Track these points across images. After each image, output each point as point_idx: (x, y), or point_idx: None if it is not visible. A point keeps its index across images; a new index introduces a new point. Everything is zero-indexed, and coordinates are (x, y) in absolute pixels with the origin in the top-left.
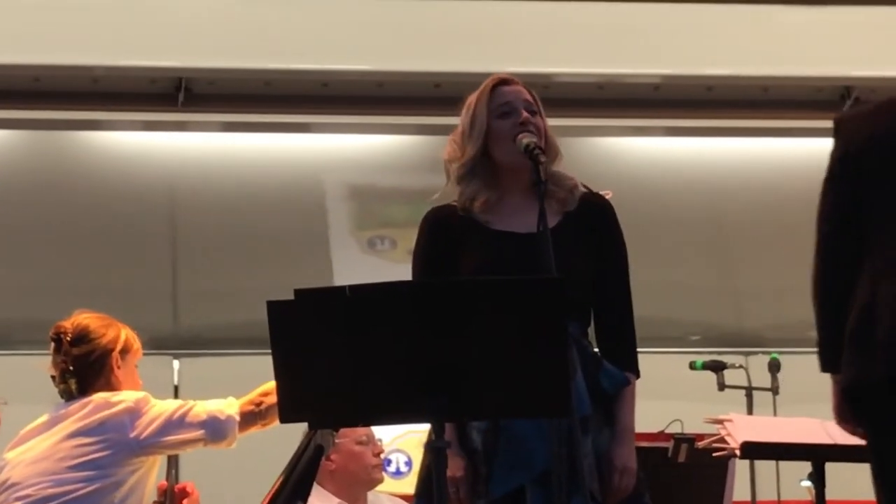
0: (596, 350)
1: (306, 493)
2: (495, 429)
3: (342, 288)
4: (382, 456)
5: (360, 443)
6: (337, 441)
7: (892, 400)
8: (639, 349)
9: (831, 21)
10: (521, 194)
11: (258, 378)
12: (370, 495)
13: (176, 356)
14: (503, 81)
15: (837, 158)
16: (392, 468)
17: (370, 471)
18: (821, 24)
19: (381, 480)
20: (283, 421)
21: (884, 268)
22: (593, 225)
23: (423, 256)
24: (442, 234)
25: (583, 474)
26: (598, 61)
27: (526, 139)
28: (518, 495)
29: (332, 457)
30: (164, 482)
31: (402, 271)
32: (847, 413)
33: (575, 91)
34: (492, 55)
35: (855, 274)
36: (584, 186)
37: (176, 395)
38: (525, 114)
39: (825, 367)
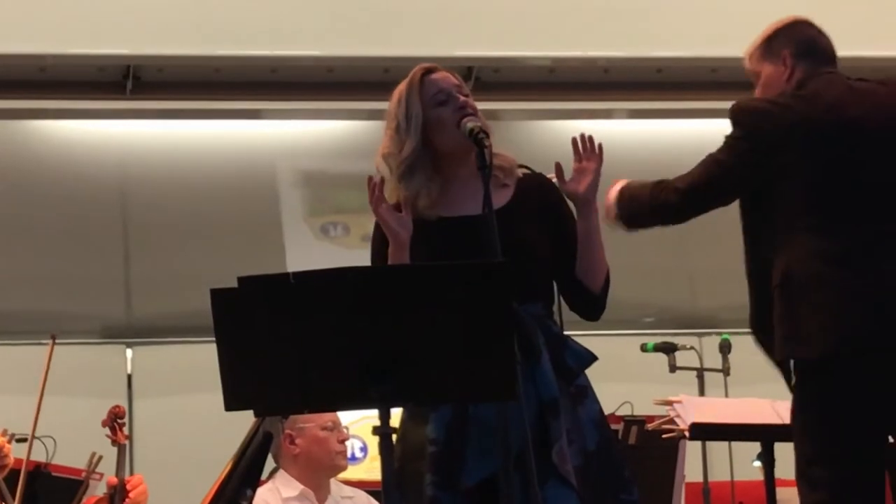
0: (560, 329)
1: (255, 481)
2: (462, 417)
3: (286, 275)
4: None
5: (325, 428)
6: (303, 425)
7: None
8: (591, 332)
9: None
10: (465, 178)
11: (212, 366)
12: (333, 485)
13: (129, 345)
14: (429, 70)
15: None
16: (347, 454)
17: (334, 457)
18: (767, 3)
19: (344, 468)
20: (228, 409)
21: None
22: (540, 202)
23: (375, 256)
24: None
25: (564, 455)
26: (547, 44)
27: (470, 123)
28: (490, 483)
29: (297, 441)
30: (114, 478)
31: (356, 257)
32: None
33: (524, 74)
34: (440, 40)
35: None
36: (521, 165)
37: (130, 384)
38: (461, 98)
39: None
